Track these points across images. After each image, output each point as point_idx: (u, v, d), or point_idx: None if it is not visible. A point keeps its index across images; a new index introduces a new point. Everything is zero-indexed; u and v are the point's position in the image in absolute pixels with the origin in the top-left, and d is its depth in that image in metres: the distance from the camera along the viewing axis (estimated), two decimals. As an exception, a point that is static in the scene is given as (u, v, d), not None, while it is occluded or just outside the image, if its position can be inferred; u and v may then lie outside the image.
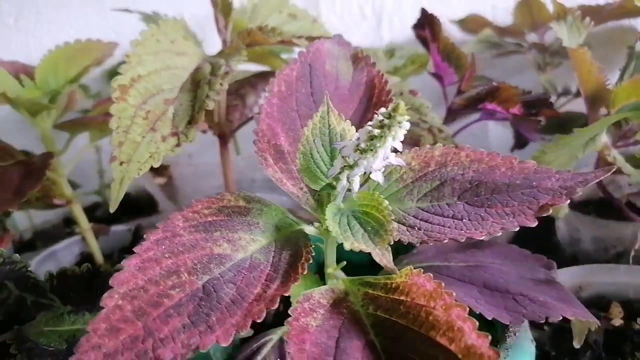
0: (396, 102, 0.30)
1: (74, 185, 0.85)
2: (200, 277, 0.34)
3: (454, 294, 0.33)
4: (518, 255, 0.50)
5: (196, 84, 0.53)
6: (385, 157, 0.34)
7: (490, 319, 0.41)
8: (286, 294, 0.33)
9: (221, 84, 0.50)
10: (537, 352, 0.57)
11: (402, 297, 0.36)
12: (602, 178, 0.37)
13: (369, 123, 0.33)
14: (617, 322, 0.59)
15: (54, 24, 1.02)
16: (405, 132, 0.32)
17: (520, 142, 0.74)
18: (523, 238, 0.63)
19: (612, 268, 0.62)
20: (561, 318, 0.40)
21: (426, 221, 0.39)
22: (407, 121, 0.31)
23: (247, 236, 0.37)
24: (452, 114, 0.66)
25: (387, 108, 0.45)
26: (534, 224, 0.36)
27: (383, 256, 0.34)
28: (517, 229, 0.36)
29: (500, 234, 0.36)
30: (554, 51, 0.95)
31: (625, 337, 0.57)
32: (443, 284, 0.33)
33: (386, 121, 0.31)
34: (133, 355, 0.30)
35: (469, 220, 0.38)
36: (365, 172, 0.35)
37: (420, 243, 0.37)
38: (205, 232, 0.36)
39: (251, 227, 0.38)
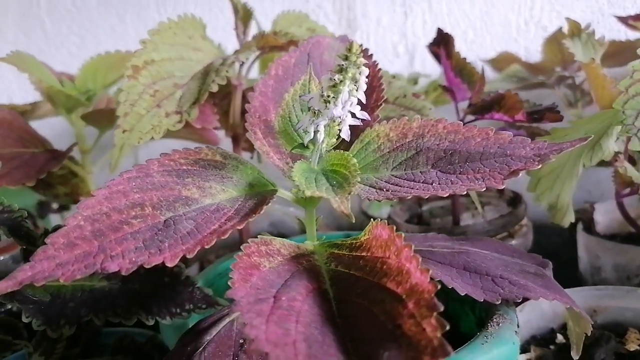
0: (349, 43, 0.32)
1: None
2: (164, 213, 0.35)
3: (412, 245, 0.33)
4: (510, 250, 0.48)
5: (206, 74, 0.56)
6: (349, 105, 0.34)
7: (462, 294, 0.39)
8: (239, 227, 0.34)
9: (227, 71, 0.53)
10: (540, 371, 0.53)
11: (363, 253, 0.35)
12: (569, 145, 0.36)
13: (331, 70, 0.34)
14: (633, 347, 0.54)
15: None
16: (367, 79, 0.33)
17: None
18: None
19: (630, 291, 0.58)
20: (538, 299, 0.38)
21: (396, 185, 0.39)
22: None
23: (219, 186, 0.39)
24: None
25: (379, 94, 0.47)
26: (502, 186, 0.36)
27: (342, 203, 0.34)
28: (483, 189, 0.36)
29: (464, 192, 0.36)
30: (586, 88, 0.94)
31: (639, 362, 0.52)
32: (394, 228, 0.33)
33: (344, 64, 0.33)
34: (82, 266, 0.31)
35: (439, 184, 0.38)
36: (331, 124, 0.36)
37: (386, 199, 0.37)
38: (178, 177, 0.38)
39: (224, 180, 0.39)
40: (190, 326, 0.44)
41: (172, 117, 0.51)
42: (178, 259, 0.32)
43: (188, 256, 0.32)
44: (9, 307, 0.67)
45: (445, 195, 0.36)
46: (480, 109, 0.61)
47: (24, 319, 0.42)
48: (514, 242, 0.64)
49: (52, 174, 0.76)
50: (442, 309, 0.27)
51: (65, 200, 0.80)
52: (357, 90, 0.34)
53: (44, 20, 1.25)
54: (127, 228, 0.34)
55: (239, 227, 0.34)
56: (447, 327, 0.26)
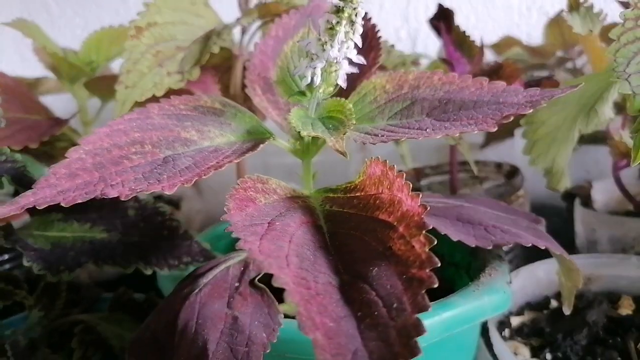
0: None
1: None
2: (163, 151, 0.36)
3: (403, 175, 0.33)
4: (505, 208, 0.48)
5: (208, 38, 0.57)
6: (345, 47, 0.35)
7: (455, 240, 0.40)
8: (235, 162, 0.35)
9: (228, 34, 0.54)
10: (536, 334, 0.54)
11: (357, 194, 0.36)
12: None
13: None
14: (625, 311, 0.55)
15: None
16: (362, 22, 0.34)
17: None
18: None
19: (624, 259, 0.59)
20: (529, 245, 0.39)
21: (392, 132, 0.39)
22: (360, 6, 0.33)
23: (217, 131, 0.39)
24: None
25: (377, 53, 0.48)
26: (494, 129, 0.36)
27: (337, 142, 0.35)
28: (475, 132, 0.36)
29: (457, 134, 0.36)
30: (586, 72, 0.95)
31: (631, 325, 0.52)
32: (388, 162, 0.34)
33: (340, 4, 0.33)
34: (83, 193, 0.32)
35: (432, 130, 0.38)
36: (328, 69, 0.37)
37: (380, 142, 0.37)
38: (178, 120, 0.39)
39: (222, 126, 0.40)
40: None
41: (174, 76, 0.52)
42: (176, 188, 0.32)
43: (186, 185, 0.32)
44: (10, 266, 0.68)
45: (437, 137, 0.36)
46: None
47: (25, 263, 0.43)
48: (510, 211, 0.65)
49: (54, 146, 0.77)
50: (430, 227, 0.27)
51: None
52: (353, 33, 0.35)
53: (49, 2, 1.26)
54: (127, 162, 0.35)
55: (235, 161, 0.35)
56: (435, 242, 0.26)
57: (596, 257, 0.60)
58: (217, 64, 0.73)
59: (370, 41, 0.50)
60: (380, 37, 0.50)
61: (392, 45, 0.64)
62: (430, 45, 1.13)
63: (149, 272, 0.46)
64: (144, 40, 0.53)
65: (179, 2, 0.58)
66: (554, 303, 0.58)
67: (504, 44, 1.02)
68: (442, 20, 0.71)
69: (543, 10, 1.07)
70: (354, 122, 0.37)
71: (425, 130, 0.38)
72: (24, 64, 1.21)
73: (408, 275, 0.25)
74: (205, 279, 0.40)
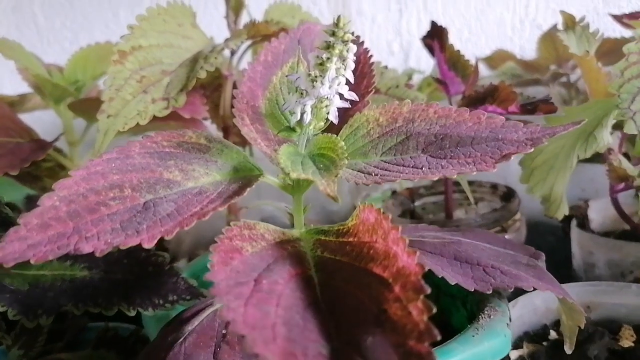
0: (336, 17, 0.30)
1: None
2: (144, 195, 0.34)
3: (400, 229, 0.32)
4: (503, 242, 0.47)
5: (195, 61, 0.55)
6: (336, 84, 0.33)
7: (453, 283, 0.38)
8: (220, 209, 0.33)
9: (216, 58, 0.52)
10: (533, 368, 0.52)
11: (350, 239, 0.34)
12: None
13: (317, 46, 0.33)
14: (627, 343, 0.53)
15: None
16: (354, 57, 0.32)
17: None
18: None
19: (624, 287, 0.57)
20: (530, 289, 0.37)
21: (385, 170, 0.37)
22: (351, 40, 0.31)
23: (202, 170, 0.37)
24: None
25: (370, 80, 0.46)
26: (493, 169, 0.35)
27: (328, 186, 0.33)
28: (474, 173, 0.35)
29: (455, 175, 0.35)
30: (581, 87, 0.93)
31: (634, 358, 0.51)
32: (382, 211, 0.32)
33: (331, 40, 0.32)
34: (55, 247, 0.30)
35: (429, 168, 0.36)
36: (318, 105, 0.35)
37: (374, 183, 0.35)
38: (160, 159, 0.37)
39: (208, 163, 0.38)
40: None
41: (159, 103, 0.50)
42: (156, 241, 0.30)
43: (166, 237, 0.30)
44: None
45: (435, 178, 0.35)
46: (474, 101, 0.60)
47: None
48: (507, 236, 0.63)
49: (39, 166, 0.75)
50: (428, 291, 0.25)
51: (52, 193, 0.79)
52: (345, 69, 0.33)
53: (37, 14, 1.24)
54: (105, 209, 0.33)
55: (220, 209, 0.33)
56: (434, 310, 0.24)
57: (595, 284, 0.58)
58: (205, 83, 0.71)
59: (362, 67, 0.48)
60: (372, 63, 0.48)
61: (385, 67, 0.62)
62: (423, 58, 1.12)
63: (132, 313, 0.44)
64: (128, 65, 0.51)
65: (165, 24, 0.56)
66: (553, 334, 0.56)
67: (497, 57, 1.01)
68: (436, 38, 0.69)
69: (536, 23, 1.05)
70: (346, 162, 0.35)
71: (421, 169, 0.37)
72: (14, 81, 1.19)
73: (405, 349, 0.23)
74: (191, 325, 0.38)
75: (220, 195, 0.35)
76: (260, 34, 0.61)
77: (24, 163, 0.60)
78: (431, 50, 0.70)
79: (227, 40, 0.60)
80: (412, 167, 0.37)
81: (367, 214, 0.33)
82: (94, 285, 0.45)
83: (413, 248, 0.29)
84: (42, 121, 1.00)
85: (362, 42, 0.51)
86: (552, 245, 0.87)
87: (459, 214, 0.72)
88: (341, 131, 0.41)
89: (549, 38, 0.94)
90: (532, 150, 0.35)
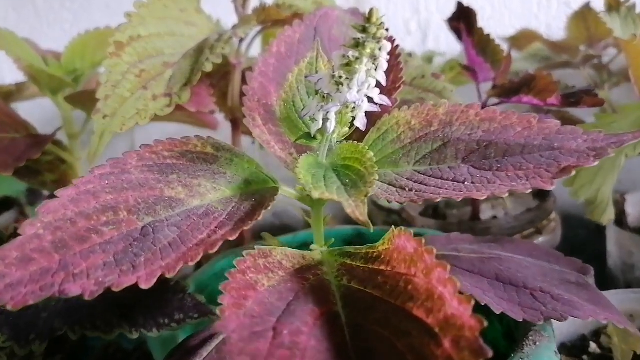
0: (369, 10, 0.25)
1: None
2: (142, 218, 0.29)
3: (448, 267, 0.27)
4: (546, 254, 0.42)
5: (200, 51, 0.50)
6: (366, 87, 0.28)
7: (498, 312, 0.33)
8: (231, 239, 0.28)
9: (223, 48, 0.47)
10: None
11: (382, 267, 0.29)
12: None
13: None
14: (677, 360, 0.49)
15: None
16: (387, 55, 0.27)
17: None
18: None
19: (673, 295, 0.52)
20: (589, 317, 0.32)
21: (421, 183, 0.32)
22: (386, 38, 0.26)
23: (209, 184, 0.32)
24: (484, 110, 0.59)
25: (397, 75, 0.40)
26: (551, 187, 0.29)
27: (356, 208, 0.28)
28: (529, 190, 0.29)
29: (506, 194, 0.29)
30: (613, 69, 0.87)
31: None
32: (423, 241, 0.27)
33: (361, 37, 0.26)
34: (37, 288, 0.25)
35: (472, 183, 0.31)
36: (344, 111, 0.30)
37: (410, 202, 0.30)
38: (161, 173, 0.32)
39: (215, 176, 0.33)
40: (180, 339, 0.38)
41: (160, 100, 0.45)
42: (155, 279, 0.26)
43: (168, 275, 0.26)
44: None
45: (482, 198, 0.30)
46: (507, 91, 0.54)
47: (-12, 334, 0.37)
48: (541, 238, 0.58)
49: (38, 160, 0.70)
50: (490, 355, 0.21)
51: (54, 188, 0.74)
52: (376, 70, 0.28)
53: (35, -5, 1.18)
54: (96, 238, 0.28)
55: (230, 238, 0.28)
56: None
57: (637, 292, 0.53)
58: (212, 71, 0.65)
59: (389, 60, 0.43)
60: (399, 54, 0.43)
61: (409, 54, 0.56)
62: (443, 36, 1.05)
63: (134, 336, 0.40)
64: (125, 57, 0.46)
65: (166, 10, 0.51)
66: (593, 346, 0.52)
67: (522, 37, 0.94)
68: (462, 20, 0.63)
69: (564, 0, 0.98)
70: (376, 177, 0.30)
71: (463, 183, 0.31)
72: (13, 67, 1.14)
73: None
74: (198, 357, 0.34)
75: (230, 216, 0.30)
76: (271, 19, 0.55)
77: (18, 162, 0.55)
78: (458, 33, 0.64)
79: (234, 27, 0.55)
80: (451, 180, 0.32)
81: (403, 242, 0.28)
82: (91, 305, 0.40)
83: (452, 268, 0.25)
84: (43, 108, 0.95)
85: (387, 29, 0.45)
86: (583, 240, 0.82)
87: (485, 209, 0.67)
88: (367, 135, 0.36)
89: (580, 17, 0.87)
90: (597, 163, 0.29)
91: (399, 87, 0.39)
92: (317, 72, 0.35)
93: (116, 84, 0.44)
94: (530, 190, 0.29)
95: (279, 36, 0.44)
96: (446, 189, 0.31)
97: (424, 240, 0.27)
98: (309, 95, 0.34)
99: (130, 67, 0.46)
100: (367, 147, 0.31)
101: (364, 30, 0.26)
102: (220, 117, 0.71)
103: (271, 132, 0.39)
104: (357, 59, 0.27)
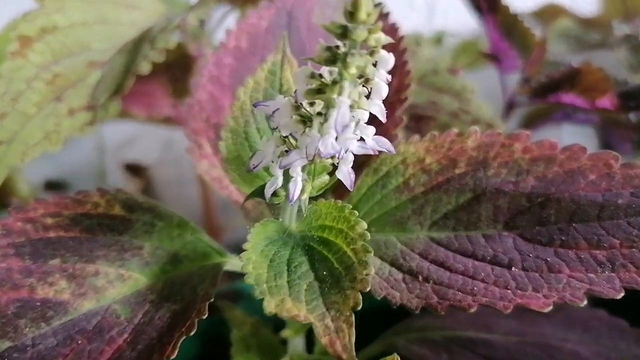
0: (353, 1, 0.13)
1: (59, 186, 0.72)
2: (-9, 344, 0.18)
3: None
4: (607, 327, 0.30)
5: (141, 44, 0.38)
6: (350, 130, 0.16)
7: None
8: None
9: (167, 41, 0.35)
10: None
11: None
12: None
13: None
14: None
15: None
16: (387, 79, 0.15)
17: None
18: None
19: None
20: None
21: (441, 265, 0.21)
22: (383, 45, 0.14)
23: (113, 270, 0.21)
24: (511, 110, 0.47)
25: (403, 80, 0.29)
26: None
27: (339, 337, 0.16)
28: (621, 295, 0.18)
29: (585, 302, 0.18)
30: (654, 49, 0.74)
31: None
32: None
33: (341, 44, 0.14)
34: None
35: (523, 269, 0.20)
36: (316, 161, 0.18)
37: (422, 308, 0.19)
38: (34, 257, 0.20)
39: (125, 254, 0.22)
40: None
41: (79, 115, 0.33)
42: None
43: None
44: None
45: (544, 309, 0.18)
46: (543, 88, 0.42)
47: None
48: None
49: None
50: None
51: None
52: (368, 97, 0.16)
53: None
54: None
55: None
56: None
57: None
58: (172, 61, 0.53)
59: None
60: (405, 49, 0.31)
61: (418, 42, 0.44)
62: (453, 13, 0.92)
63: None
64: (33, 57, 0.34)
65: (95, -11, 0.39)
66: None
67: (548, 12, 0.81)
68: (482, -5, 0.51)
69: (594, -34, 0.85)
70: (372, 268, 0.18)
71: (509, 269, 0.20)
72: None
73: None
74: None
75: (138, 334, 0.19)
76: (239, -1, 0.43)
77: None
78: (478, 10, 0.52)
79: (192, 8, 0.42)
80: (489, 262, 0.20)
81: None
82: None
83: None
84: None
85: (387, 13, 0.33)
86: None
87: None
88: (360, 179, 0.24)
89: (616, -14, 0.74)
90: None
91: (405, 99, 0.27)
92: (281, 86, 0.23)
93: (17, 97, 0.32)
94: (620, 295, 0.18)
95: (239, 25, 0.32)
96: (482, 280, 0.20)
97: None
98: (265, 137, 0.22)
99: (39, 71, 0.34)
100: (356, 212, 0.20)
101: (343, 33, 0.14)
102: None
103: (224, 164, 0.27)
104: (335, 83, 0.15)
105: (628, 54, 0.75)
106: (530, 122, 0.53)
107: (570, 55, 0.76)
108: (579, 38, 0.71)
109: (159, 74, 0.50)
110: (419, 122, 0.40)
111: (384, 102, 0.26)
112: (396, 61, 0.30)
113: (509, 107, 0.48)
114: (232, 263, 0.23)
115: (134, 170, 0.63)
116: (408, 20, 0.95)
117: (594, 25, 0.76)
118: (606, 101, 0.40)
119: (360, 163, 0.23)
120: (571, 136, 0.68)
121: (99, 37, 0.37)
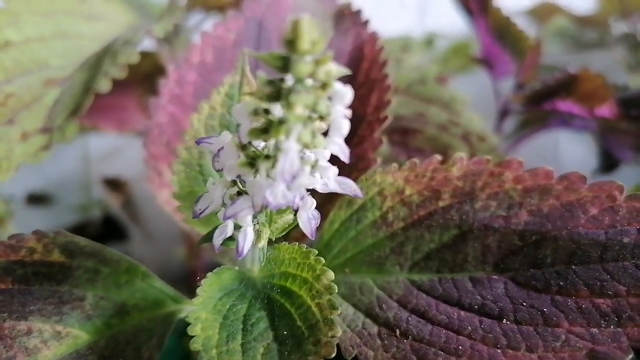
0: (294, 22, 0.10)
1: (42, 199, 0.70)
2: None
3: None
4: None
5: (103, 59, 0.35)
6: (305, 176, 0.14)
7: None
8: None
9: (129, 56, 0.32)
10: None
11: None
12: None
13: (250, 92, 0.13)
14: None
15: None
16: (349, 110, 0.13)
17: (606, 164, 0.51)
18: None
19: None
20: None
21: (422, 315, 0.18)
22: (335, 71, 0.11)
23: (49, 327, 0.18)
24: (505, 118, 0.45)
25: (382, 95, 0.26)
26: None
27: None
28: (629, 357, 0.15)
29: (589, 369, 0.15)
30: (652, 47, 0.72)
31: None
32: None
33: (284, 78, 0.12)
34: None
35: (516, 322, 0.17)
36: (264, 210, 0.15)
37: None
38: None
39: (64, 307, 0.19)
40: None
41: (34, 139, 0.30)
42: None
43: None
44: None
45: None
46: (538, 95, 0.40)
47: None
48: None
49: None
50: None
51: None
52: (326, 135, 0.14)
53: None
54: None
55: None
56: None
57: None
58: (148, 72, 0.50)
59: (369, 70, 0.28)
60: (385, 61, 0.28)
61: (404, 46, 0.42)
62: (445, 13, 0.89)
63: None
64: (-17, 76, 0.31)
65: (53, 1, 0.36)
66: None
67: (543, 11, 0.79)
68: (473, -4, 0.48)
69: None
70: (339, 330, 0.16)
71: (500, 321, 0.17)
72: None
73: None
74: None
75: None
76: (210, 5, 0.40)
77: None
78: (468, 12, 0.49)
79: (162, 18, 0.40)
80: (477, 312, 0.18)
81: None
82: None
83: None
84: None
85: (366, 21, 0.30)
86: None
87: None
88: (332, 213, 0.21)
89: (614, -16, 0.71)
90: None
91: (385, 118, 0.24)
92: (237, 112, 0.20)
93: (-37, 120, 0.30)
94: (629, 358, 0.15)
95: (204, 38, 0.29)
96: (468, 336, 0.17)
97: None
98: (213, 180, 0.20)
99: (-11, 91, 0.31)
100: (322, 259, 0.17)
101: (284, 66, 0.11)
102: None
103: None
104: (281, 122, 0.13)
105: (626, 53, 0.72)
106: (526, 129, 0.50)
107: (566, 56, 0.73)
108: (575, 37, 0.69)
109: (133, 86, 0.47)
110: (404, 136, 0.37)
111: (359, 122, 0.24)
112: (376, 75, 0.28)
113: (503, 114, 0.45)
114: (189, 310, 0.20)
115: (114, 185, 0.61)
116: (398, 20, 0.92)
117: (590, 23, 0.74)
118: (606, 110, 0.37)
119: (332, 193, 0.20)
120: (569, 142, 0.66)
121: (57, 52, 0.35)
